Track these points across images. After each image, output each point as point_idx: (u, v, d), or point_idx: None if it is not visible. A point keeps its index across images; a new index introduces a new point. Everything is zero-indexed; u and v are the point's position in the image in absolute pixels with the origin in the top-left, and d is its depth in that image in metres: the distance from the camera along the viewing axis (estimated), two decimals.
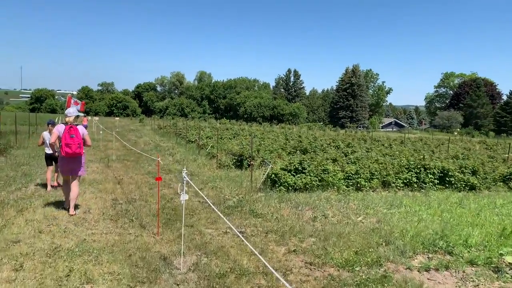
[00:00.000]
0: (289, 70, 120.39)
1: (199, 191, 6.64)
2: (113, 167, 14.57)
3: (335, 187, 11.42)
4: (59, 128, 7.56)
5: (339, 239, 6.87)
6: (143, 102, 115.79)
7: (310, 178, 11.15)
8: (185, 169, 5.85)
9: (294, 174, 11.24)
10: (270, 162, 12.70)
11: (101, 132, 22.04)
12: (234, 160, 14.89)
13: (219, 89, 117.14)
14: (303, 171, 11.30)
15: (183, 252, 5.87)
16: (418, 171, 12.39)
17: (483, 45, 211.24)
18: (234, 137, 27.40)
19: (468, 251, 6.42)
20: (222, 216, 5.34)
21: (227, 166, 14.84)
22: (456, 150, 25.91)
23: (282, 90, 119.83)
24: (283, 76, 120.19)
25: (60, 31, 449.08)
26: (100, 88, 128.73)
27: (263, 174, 11.74)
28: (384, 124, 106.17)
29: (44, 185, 10.41)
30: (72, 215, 7.70)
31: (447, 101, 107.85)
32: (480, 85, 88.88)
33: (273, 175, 11.15)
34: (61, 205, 8.38)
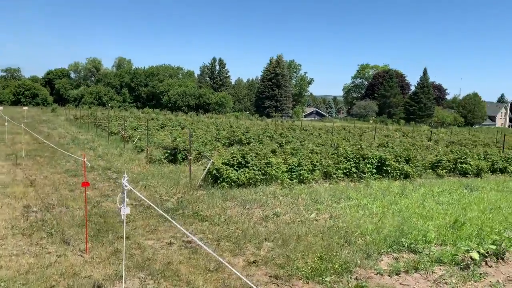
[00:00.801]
0: (214, 59, 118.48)
1: (136, 192, 5.52)
2: (23, 165, 12.49)
3: (278, 181, 10.86)
4: None
5: (298, 242, 6.24)
6: (55, 90, 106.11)
7: (254, 172, 10.44)
8: (126, 175, 4.70)
9: (237, 168, 10.43)
10: (210, 156, 11.74)
11: (6, 123, 19.12)
12: (166, 154, 13.64)
13: (140, 77, 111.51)
14: (247, 165, 10.54)
15: (123, 276, 4.76)
16: (357, 161, 12.33)
17: (393, 38, 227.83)
18: (162, 128, 25.77)
19: (430, 248, 6.18)
20: (174, 222, 4.34)
21: (159, 161, 13.55)
22: (380, 138, 27.14)
23: (207, 78, 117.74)
24: (208, 65, 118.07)
25: None
26: (3, 74, 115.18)
27: (203, 169, 10.74)
28: (306, 113, 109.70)
29: None
30: None
31: (363, 91, 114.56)
32: (393, 76, 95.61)
33: (214, 171, 10.23)
34: None
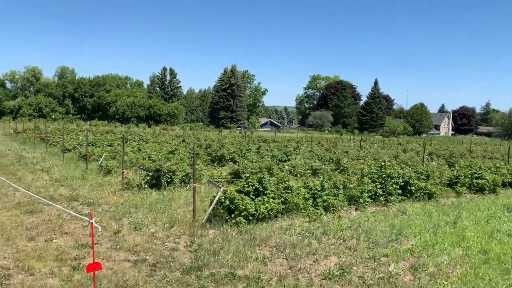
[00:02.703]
0: (164, 68, 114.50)
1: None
2: None
3: (303, 211, 8.72)
4: None
5: None
6: None
7: (274, 201, 8.22)
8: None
9: (253, 197, 8.16)
10: (213, 180, 9.30)
11: None
12: (148, 178, 10.98)
13: (85, 87, 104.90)
14: (265, 192, 8.30)
15: None
16: (382, 181, 10.50)
17: (342, 50, 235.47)
18: (126, 141, 22.65)
19: None
20: None
21: (138, 186, 10.86)
22: (366, 150, 25.90)
23: (157, 89, 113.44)
24: (159, 75, 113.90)
25: None
26: None
27: (210, 199, 8.29)
28: (261, 123, 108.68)
29: None
30: None
31: (315, 102, 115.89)
32: (346, 87, 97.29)
33: (227, 202, 7.88)
34: None
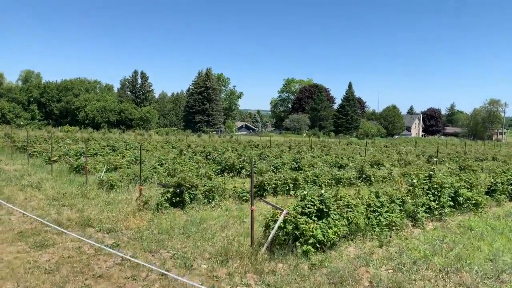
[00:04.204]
0: (135, 72, 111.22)
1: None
2: None
3: (364, 231, 7.52)
4: None
5: None
6: None
7: (340, 223, 6.97)
8: None
9: (315, 219, 6.87)
10: (283, 207, 7.91)
11: None
12: (169, 195, 9.44)
13: (52, 91, 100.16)
14: (329, 212, 7.03)
15: None
16: (435, 192, 9.47)
17: (315, 54, 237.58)
18: (113, 150, 20.77)
19: None
20: None
21: (158, 205, 9.30)
22: (374, 153, 25.08)
23: (128, 93, 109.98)
24: (129, 78, 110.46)
25: None
26: None
27: (265, 223, 6.90)
28: (237, 127, 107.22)
29: None
30: None
31: (289, 105, 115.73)
32: (322, 90, 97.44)
33: (289, 226, 6.56)
34: None
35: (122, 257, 6.22)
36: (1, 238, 6.98)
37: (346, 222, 7.25)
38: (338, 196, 7.74)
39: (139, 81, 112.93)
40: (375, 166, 18.62)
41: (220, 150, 20.89)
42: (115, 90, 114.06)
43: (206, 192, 10.12)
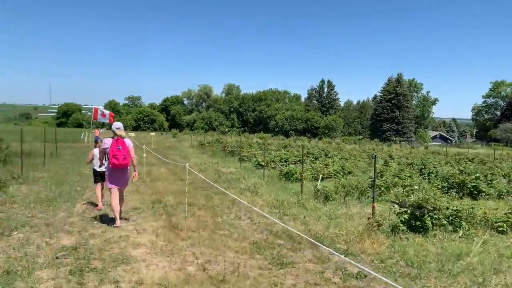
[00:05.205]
0: (322, 81, 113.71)
1: None
2: (183, 233, 7.67)
3: None
4: (106, 142, 7.60)
5: None
6: (170, 116, 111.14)
7: None
8: None
9: None
10: None
11: (144, 155, 15.44)
12: (406, 216, 7.85)
13: (248, 102, 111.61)
14: None
15: None
16: None
17: None
18: (315, 158, 20.46)
19: None
20: None
21: (393, 227, 7.81)
22: None
23: (315, 102, 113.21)
24: (316, 87, 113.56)
25: (87, 47, 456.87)
26: (127, 102, 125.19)
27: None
28: (430, 137, 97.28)
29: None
30: (118, 226, 7.47)
31: (498, 112, 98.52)
32: None
33: None
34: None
35: None
36: (240, 247, 6.67)
37: None
38: None
39: (325, 90, 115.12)
40: None
41: (433, 163, 18.09)
42: (302, 99, 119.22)
43: (451, 217, 8.09)
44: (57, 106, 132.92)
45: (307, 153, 23.02)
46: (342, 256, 6.48)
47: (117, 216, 7.57)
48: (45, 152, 17.14)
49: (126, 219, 8.16)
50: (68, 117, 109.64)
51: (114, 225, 7.52)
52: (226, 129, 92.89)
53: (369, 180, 12.13)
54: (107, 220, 7.95)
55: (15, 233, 6.72)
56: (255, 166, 17.84)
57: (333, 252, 6.50)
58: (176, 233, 7.31)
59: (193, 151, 29.28)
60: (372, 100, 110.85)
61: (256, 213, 9.33)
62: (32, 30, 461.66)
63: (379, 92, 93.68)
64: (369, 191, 11.49)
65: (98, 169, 9.10)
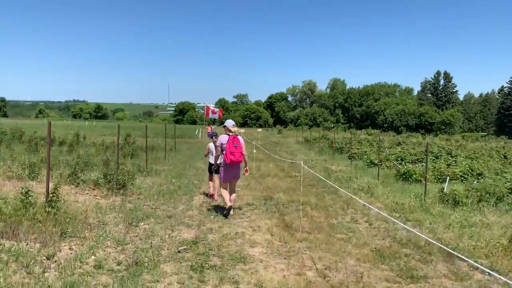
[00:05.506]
0: (438, 73, 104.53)
1: None
2: (300, 235, 7.39)
3: None
4: (222, 139, 7.92)
5: None
6: (275, 113, 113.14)
7: None
8: None
9: None
10: None
11: (254, 150, 15.68)
12: None
13: (354, 97, 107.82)
14: None
15: None
16: None
17: None
18: (436, 157, 18.57)
19: None
20: None
21: None
22: None
23: (429, 95, 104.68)
24: (431, 80, 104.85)
25: (201, 50, 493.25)
26: (235, 100, 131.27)
27: None
28: None
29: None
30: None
31: None
32: None
33: None
34: None
35: None
36: (361, 253, 6.11)
37: None
38: None
39: (442, 82, 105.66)
40: None
41: None
42: (415, 93, 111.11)
43: None
44: (174, 105, 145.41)
45: (425, 151, 21.05)
46: (487, 274, 5.54)
47: (227, 201, 8.01)
48: (166, 147, 18.50)
49: (239, 208, 8.52)
50: (184, 114, 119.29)
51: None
52: (331, 125, 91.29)
53: (508, 184, 10.42)
54: (222, 213, 8.05)
55: (142, 223, 7.14)
56: (367, 165, 16.83)
57: (476, 266, 5.59)
58: (291, 234, 7.03)
59: (299, 147, 29.06)
60: (499, 93, 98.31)
61: (374, 216, 8.62)
62: (155, 38, 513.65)
63: (507, 83, 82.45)
64: (509, 197, 9.85)
65: (213, 162, 9.39)
